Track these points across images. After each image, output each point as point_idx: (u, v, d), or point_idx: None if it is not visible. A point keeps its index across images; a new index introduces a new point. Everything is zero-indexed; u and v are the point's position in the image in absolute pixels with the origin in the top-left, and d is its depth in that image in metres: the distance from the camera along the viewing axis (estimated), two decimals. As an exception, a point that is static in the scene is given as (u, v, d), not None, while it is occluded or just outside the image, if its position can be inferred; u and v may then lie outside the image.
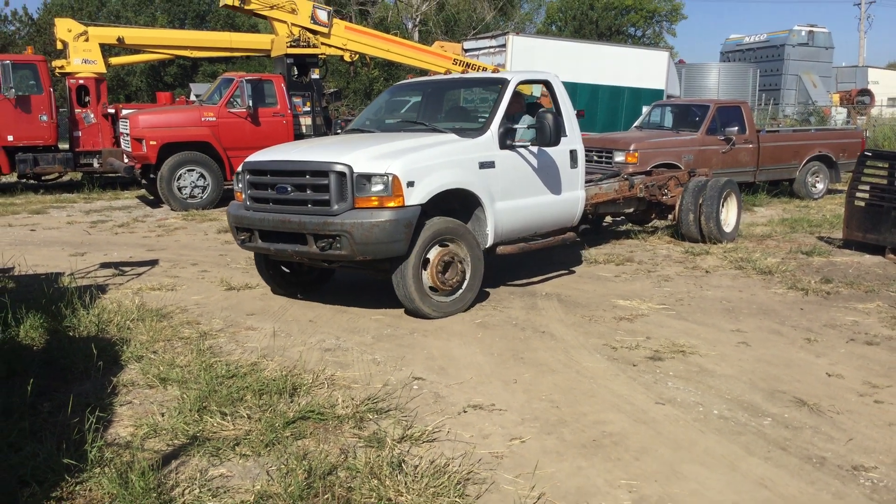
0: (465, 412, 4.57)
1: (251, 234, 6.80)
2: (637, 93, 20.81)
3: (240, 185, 6.99)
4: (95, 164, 16.22)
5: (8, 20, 41.84)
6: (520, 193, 7.25)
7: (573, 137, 7.88)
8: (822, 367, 5.39)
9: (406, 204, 6.21)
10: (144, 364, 5.27)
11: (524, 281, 7.99)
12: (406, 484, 3.58)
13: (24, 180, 16.57)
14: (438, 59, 17.00)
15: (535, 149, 7.35)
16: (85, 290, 6.96)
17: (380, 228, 6.08)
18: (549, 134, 7.04)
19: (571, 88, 19.58)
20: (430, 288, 6.53)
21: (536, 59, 18.98)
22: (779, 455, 4.02)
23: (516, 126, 7.23)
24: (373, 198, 6.17)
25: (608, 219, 11.42)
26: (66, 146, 16.61)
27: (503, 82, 7.54)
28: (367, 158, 6.29)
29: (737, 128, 13.48)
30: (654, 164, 12.28)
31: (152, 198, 14.92)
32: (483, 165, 6.87)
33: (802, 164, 14.74)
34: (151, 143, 13.28)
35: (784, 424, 4.41)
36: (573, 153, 7.85)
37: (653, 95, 20.29)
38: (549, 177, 7.58)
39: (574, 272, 8.38)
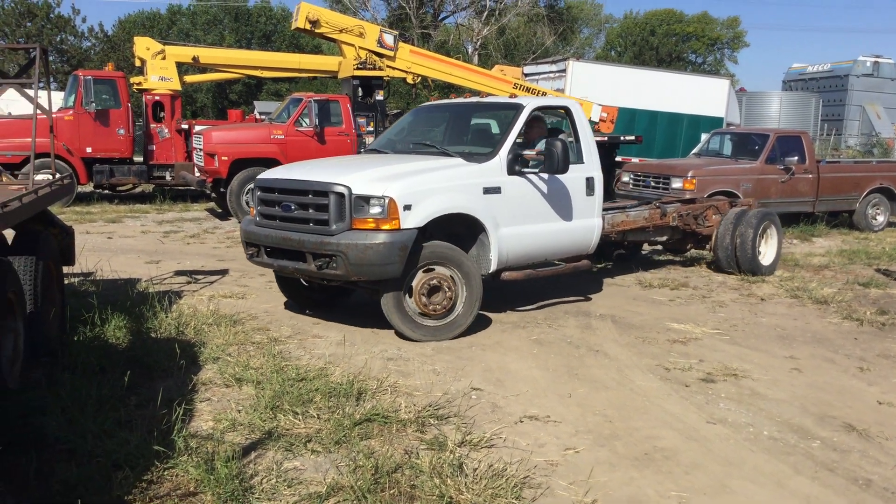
0: (521, 422, 4.80)
1: (258, 250, 6.94)
2: (696, 120, 20.83)
3: (254, 202, 7.23)
4: (168, 177, 16.92)
5: (84, 36, 43.63)
6: (528, 220, 7.22)
7: (590, 165, 7.84)
8: (873, 395, 5.48)
9: (402, 227, 6.26)
10: (221, 365, 5.62)
11: (533, 306, 7.96)
12: (466, 484, 3.83)
13: (100, 190, 17.34)
14: (499, 83, 17.34)
15: (546, 175, 7.30)
16: (163, 295, 7.39)
17: (374, 250, 6.16)
18: (557, 161, 7.01)
19: (630, 114, 19.87)
20: (420, 313, 6.54)
21: (596, 84, 19.20)
22: (826, 475, 4.15)
23: (525, 152, 7.21)
24: (369, 219, 6.25)
25: (646, 246, 11.19)
26: (141, 159, 17.36)
27: (517, 108, 7.58)
28: (366, 180, 6.39)
29: (796, 157, 13.49)
30: (712, 191, 12.36)
31: (220, 210, 15.51)
32: (488, 191, 6.88)
33: (863, 195, 14.64)
34: (223, 158, 13.86)
35: (832, 447, 4.53)
36: (589, 180, 7.78)
37: (712, 123, 20.31)
38: (561, 204, 7.52)
39: (591, 298, 8.37)
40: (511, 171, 7.11)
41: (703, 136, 16.97)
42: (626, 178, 14.03)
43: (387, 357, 6.10)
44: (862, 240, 13.68)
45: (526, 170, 7.22)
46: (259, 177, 7.32)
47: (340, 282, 6.74)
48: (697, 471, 4.17)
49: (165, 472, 3.89)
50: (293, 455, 4.20)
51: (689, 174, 12.59)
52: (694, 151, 15.48)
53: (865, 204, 14.72)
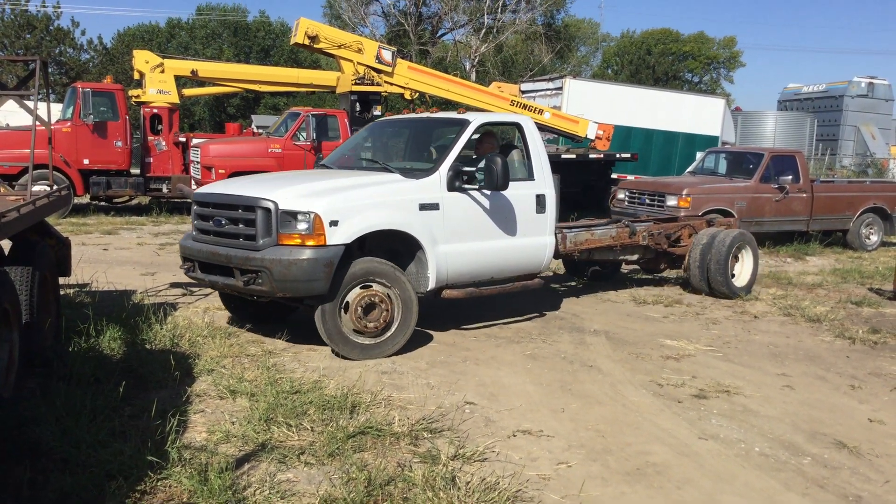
0: (514, 436, 4.82)
1: (193, 265, 6.85)
2: (691, 138, 20.94)
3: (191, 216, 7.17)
4: (164, 190, 16.95)
5: (83, 49, 43.74)
6: (470, 237, 7.08)
7: (542, 182, 7.70)
8: (864, 413, 5.52)
9: (328, 243, 6.16)
10: (215, 377, 5.64)
11: (483, 324, 7.81)
12: (459, 497, 3.85)
13: (97, 202, 17.37)
14: (496, 100, 17.44)
15: (490, 192, 7.15)
16: (158, 307, 7.41)
17: (297, 266, 6.06)
18: (497, 177, 6.86)
19: (626, 132, 19.98)
20: (354, 330, 6.41)
21: (592, 102, 19.32)
22: (816, 492, 4.18)
23: (465, 168, 7.06)
24: (295, 235, 6.17)
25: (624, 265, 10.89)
26: (138, 171, 17.41)
27: (462, 124, 7.42)
28: (294, 196, 6.30)
29: (791, 177, 13.57)
30: (706, 209, 12.43)
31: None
32: (424, 207, 6.75)
33: (856, 215, 14.73)
34: (220, 171, 13.93)
35: (823, 464, 4.56)
36: (540, 198, 7.63)
37: (707, 142, 20.42)
38: (507, 221, 7.37)
39: (545, 315, 8.31)
40: (451, 188, 6.95)
41: (699, 155, 17.08)
42: (621, 196, 14.11)
43: (381, 371, 6.12)
44: (855, 259, 13.75)
45: (468, 186, 7.06)
46: (196, 191, 7.27)
47: (269, 298, 6.57)
48: (689, 486, 4.19)
49: (159, 483, 3.91)
50: (286, 467, 4.22)
51: (684, 192, 12.66)
52: (689, 169, 15.57)
53: (859, 223, 14.81)
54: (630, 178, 17.99)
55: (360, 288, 6.42)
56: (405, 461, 4.33)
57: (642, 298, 9.31)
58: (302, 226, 6.18)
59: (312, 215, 6.15)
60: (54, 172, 15.67)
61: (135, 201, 18.64)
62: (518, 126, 7.92)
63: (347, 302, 6.38)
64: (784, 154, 14.55)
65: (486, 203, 7.22)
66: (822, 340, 7.65)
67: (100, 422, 4.57)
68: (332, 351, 6.50)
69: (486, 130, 7.78)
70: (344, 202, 6.37)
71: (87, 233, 13.85)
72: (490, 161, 6.92)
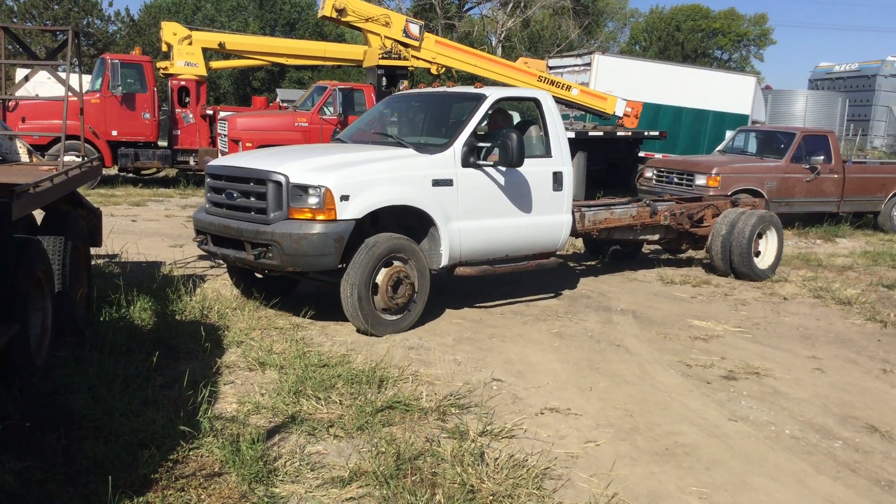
0: (542, 414, 4.81)
1: (206, 237, 6.83)
2: (721, 117, 20.66)
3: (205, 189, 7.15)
4: (192, 162, 17.00)
5: (111, 20, 43.89)
6: (484, 214, 6.99)
7: (559, 159, 7.58)
8: (896, 398, 5.45)
9: (338, 218, 6.10)
10: (244, 349, 5.68)
11: (508, 300, 7.77)
12: (487, 473, 3.85)
13: (125, 174, 17.49)
14: (523, 76, 17.27)
15: (506, 169, 7.05)
16: (187, 278, 7.46)
17: (307, 241, 6.02)
18: (512, 154, 6.76)
19: (655, 109, 19.74)
20: (383, 308, 6.41)
21: (621, 79, 19.08)
22: (847, 476, 4.14)
23: (480, 144, 7.01)
24: (306, 209, 6.12)
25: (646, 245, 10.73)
26: (165, 143, 17.49)
27: (479, 98, 7.29)
28: (305, 170, 6.26)
29: (822, 157, 13.37)
30: (736, 189, 12.28)
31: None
32: (438, 183, 6.67)
33: (888, 197, 14.48)
34: (247, 144, 13.95)
35: (854, 448, 4.52)
36: (557, 175, 7.52)
37: (737, 120, 20.14)
38: (523, 199, 7.27)
39: (571, 293, 8.25)
40: (466, 164, 6.87)
41: (728, 134, 16.85)
42: (648, 174, 13.97)
43: (408, 346, 6.13)
44: (886, 242, 13.54)
45: (483, 162, 6.99)
46: (209, 163, 7.26)
47: (280, 272, 6.61)
48: (718, 467, 4.17)
49: (191, 452, 3.95)
50: (316, 439, 4.25)
51: (714, 171, 12.51)
52: (719, 148, 15.38)
53: (891, 206, 14.56)
54: (658, 156, 17.80)
55: (385, 266, 6.41)
56: (433, 436, 4.35)
57: (669, 278, 9.23)
58: (313, 200, 6.14)
59: (323, 189, 6.11)
60: (84, 144, 15.92)
61: (162, 173, 18.75)
62: (536, 101, 7.81)
63: (376, 282, 6.37)
64: (816, 134, 14.30)
65: (501, 180, 7.11)
66: (853, 323, 7.55)
67: (132, 391, 4.63)
68: (358, 330, 6.47)
69: (499, 107, 7.64)
70: (355, 177, 6.31)
71: (116, 204, 13.96)
72: (506, 137, 6.81)
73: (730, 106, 20.75)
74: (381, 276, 6.38)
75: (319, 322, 6.72)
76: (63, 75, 6.53)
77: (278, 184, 6.21)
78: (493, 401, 4.98)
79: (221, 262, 8.84)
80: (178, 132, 17.04)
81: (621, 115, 17.75)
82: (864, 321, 7.63)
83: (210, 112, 17.00)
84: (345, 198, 6.15)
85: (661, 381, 5.54)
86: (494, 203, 7.10)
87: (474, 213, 6.93)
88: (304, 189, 6.16)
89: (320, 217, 6.11)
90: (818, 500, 3.87)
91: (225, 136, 14.51)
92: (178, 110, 16.97)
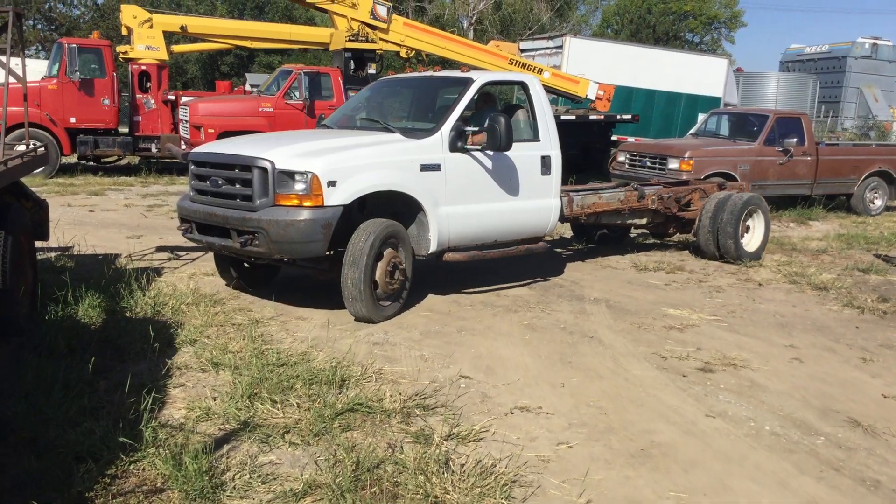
0: (511, 413, 4.57)
1: (191, 226, 6.71)
2: (694, 100, 20.50)
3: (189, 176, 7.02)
4: (153, 149, 16.53)
5: (73, 4, 42.80)
6: (473, 199, 6.92)
7: (547, 143, 7.52)
8: (877, 388, 5.28)
9: (325, 204, 6.02)
10: (198, 348, 5.37)
11: (485, 288, 7.63)
12: (453, 482, 3.60)
13: (84, 162, 16.97)
14: (495, 59, 16.98)
15: (493, 153, 6.97)
16: (142, 272, 7.12)
17: (295, 228, 5.94)
18: (500, 138, 6.69)
19: (627, 93, 19.53)
20: (381, 295, 6.37)
21: (593, 61, 18.84)
22: (831, 476, 3.94)
23: (468, 128, 6.90)
24: (292, 196, 6.03)
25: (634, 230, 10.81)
26: (126, 130, 16.98)
27: (466, 83, 7.22)
28: (290, 156, 6.16)
29: (796, 139, 13.23)
30: (709, 172, 12.12)
31: (206, 184, 15.15)
32: (425, 168, 6.59)
33: (861, 179, 14.43)
34: (209, 130, 13.54)
35: (837, 444, 4.32)
36: (545, 159, 7.46)
37: (710, 103, 19.98)
38: (512, 183, 7.21)
39: (544, 281, 8.04)
40: (454, 148, 6.79)
41: (701, 117, 16.70)
42: (622, 158, 13.78)
43: (373, 341, 5.85)
44: (859, 224, 13.48)
45: (471, 147, 6.89)
46: (193, 151, 7.12)
47: (266, 259, 6.56)
48: (696, 469, 3.95)
49: (131, 466, 3.65)
50: (269, 447, 3.96)
51: (687, 154, 12.33)
52: (691, 132, 15.20)
53: (864, 187, 14.51)
54: (630, 139, 17.60)
55: (383, 251, 6.36)
56: (396, 441, 4.08)
57: (643, 265, 9.03)
58: (299, 186, 6.02)
59: (310, 175, 5.99)
60: (40, 131, 15.39)
61: (124, 161, 18.23)
62: (524, 85, 7.74)
63: (375, 267, 6.29)
64: (789, 116, 14.17)
65: (490, 164, 7.03)
66: (830, 310, 7.39)
67: (72, 398, 4.30)
68: (355, 319, 6.32)
69: (485, 91, 7.53)
70: (342, 162, 6.20)
71: (74, 193, 13.49)
72: (493, 121, 6.73)
73: (702, 88, 20.61)
74: (381, 262, 6.32)
75: (281, 316, 6.43)
76: (3, 59, 6.12)
77: (264, 170, 6.09)
78: (461, 400, 4.73)
79: (185, 254, 8.56)
80: (140, 118, 16.55)
81: (593, 98, 17.55)
82: (840, 307, 7.47)
83: (172, 97, 16.52)
84: (332, 183, 6.05)
85: (636, 375, 5.32)
86: (483, 188, 7.02)
87: (463, 197, 6.85)
88: (290, 175, 6.04)
89: (307, 203, 6.00)
90: (801, 502, 3.66)
91: (187, 122, 14.06)
92: (138, 96, 16.49)
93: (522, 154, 7.23)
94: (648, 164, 12.98)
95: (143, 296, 6.40)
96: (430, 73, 8.48)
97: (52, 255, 7.98)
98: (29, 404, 4.16)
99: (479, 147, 6.93)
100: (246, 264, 7.21)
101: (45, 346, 5.01)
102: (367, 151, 6.48)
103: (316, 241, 6.02)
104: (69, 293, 5.99)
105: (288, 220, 5.96)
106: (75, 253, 8.18)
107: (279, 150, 6.24)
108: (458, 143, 6.81)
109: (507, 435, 4.25)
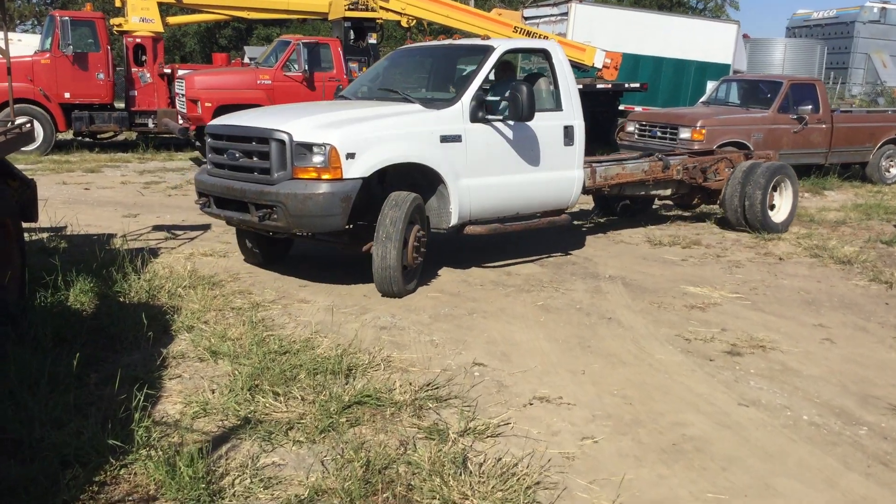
0: (530, 404, 4.27)
1: (209, 200, 6.57)
2: (703, 67, 20.00)
3: (206, 149, 6.86)
4: (150, 125, 16.13)
5: (68, -22, 42.03)
6: (494, 170, 6.75)
7: (570, 112, 7.32)
8: (918, 372, 4.96)
9: (344, 177, 5.87)
10: (195, 335, 5.06)
11: (507, 261, 7.45)
12: (471, 485, 3.30)
13: (80, 138, 16.59)
14: (499, 27, 16.49)
15: (516, 123, 6.77)
16: (137, 253, 6.80)
17: (313, 201, 5.80)
18: (522, 107, 6.50)
19: (634, 60, 19.06)
20: (404, 267, 6.20)
21: (599, 28, 18.35)
22: (880, 471, 3.64)
23: (489, 98, 6.71)
24: (311, 168, 5.88)
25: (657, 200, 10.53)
26: (122, 105, 16.57)
27: (486, 51, 6.99)
28: (309, 127, 6.00)
29: (810, 107, 12.81)
30: (722, 142, 11.73)
31: (205, 160, 14.78)
32: (446, 139, 6.42)
33: (877, 146, 14.01)
34: (207, 104, 13.12)
35: (882, 435, 4.02)
36: (568, 129, 7.26)
37: (719, 70, 19.49)
38: (534, 154, 7.00)
39: (555, 258, 7.73)
40: (475, 119, 6.60)
41: (711, 84, 16.25)
42: (630, 128, 13.36)
43: (379, 325, 5.54)
44: (875, 193, 13.10)
45: (492, 117, 6.70)
46: (209, 123, 6.93)
47: (285, 234, 6.41)
48: (735, 466, 3.64)
49: (122, 471, 3.36)
50: (272, 446, 3.66)
51: (699, 124, 11.93)
52: (702, 100, 14.78)
53: (879, 155, 14.10)
54: (638, 109, 17.18)
55: (410, 225, 6.21)
56: (408, 438, 3.78)
57: (658, 239, 8.70)
58: (318, 158, 5.87)
59: (328, 147, 5.83)
60: (33, 107, 15.01)
61: (120, 137, 17.81)
62: (546, 53, 7.48)
63: (406, 241, 6.15)
64: (803, 82, 13.73)
65: (511, 135, 6.83)
66: (857, 285, 7.07)
67: (59, 393, 4.00)
68: (382, 295, 6.19)
69: (506, 60, 7.26)
70: (361, 133, 6.04)
71: (70, 171, 13.15)
72: (515, 90, 6.51)
73: (711, 55, 20.11)
74: (411, 236, 6.18)
75: (283, 300, 6.11)
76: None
77: (281, 142, 5.94)
78: (476, 390, 4.42)
79: (182, 233, 8.25)
80: (135, 93, 16.13)
81: (601, 66, 17.08)
82: (867, 282, 7.15)
83: (168, 71, 16.07)
84: (350, 155, 5.90)
85: (660, 360, 5.01)
86: (504, 159, 6.84)
87: (484, 169, 6.67)
88: (308, 147, 5.90)
89: (326, 176, 5.86)
90: None
91: (183, 95, 13.66)
92: (134, 70, 16.05)
93: (545, 124, 7.01)
94: (659, 133, 12.58)
95: (138, 279, 6.09)
96: (449, 41, 8.16)
97: (45, 235, 7.65)
98: (13, 402, 3.87)
99: (501, 117, 6.70)
100: (266, 239, 7.03)
101: (31, 336, 4.69)
102: (386, 122, 6.29)
103: (335, 214, 5.86)
104: (59, 278, 5.68)
105: (306, 193, 5.81)
106: (68, 233, 7.86)
107: (297, 122, 6.06)
108: (479, 113, 6.61)
109: (527, 429, 3.95)
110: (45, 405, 3.83)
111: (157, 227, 8.58)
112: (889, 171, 14.36)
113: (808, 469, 3.64)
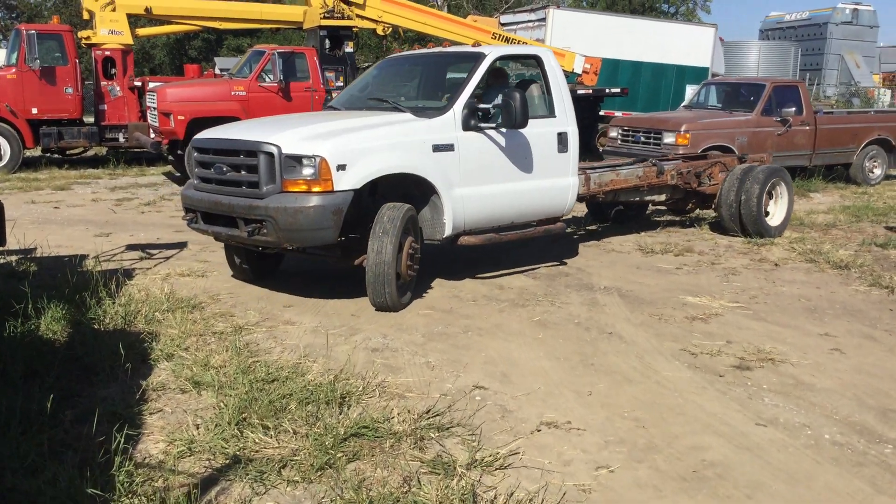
0: (538, 431, 4.01)
1: (196, 215, 6.37)
2: (681, 70, 19.95)
3: (192, 164, 6.66)
4: (121, 139, 15.71)
5: (34, -9, 41.41)
6: (488, 179, 6.60)
7: (563, 119, 7.16)
8: (934, 382, 4.78)
9: (335, 189, 5.71)
10: (175, 364, 4.76)
11: (499, 272, 7.27)
12: (484, 526, 3.04)
13: (49, 154, 16.12)
14: (476, 33, 16.30)
15: (508, 131, 6.64)
16: (111, 275, 6.47)
17: (304, 215, 5.63)
18: (515, 115, 6.38)
19: (613, 65, 18.94)
20: (398, 278, 6.05)
21: (577, 33, 18.23)
22: (914, 495, 3.43)
23: (481, 106, 6.54)
24: (301, 181, 5.71)
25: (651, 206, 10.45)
26: (92, 120, 16.16)
27: (477, 58, 6.86)
28: (298, 139, 5.84)
29: (794, 108, 12.75)
30: (706, 146, 11.61)
31: (178, 174, 14.43)
32: (438, 148, 6.27)
33: (860, 147, 13.99)
34: (179, 117, 12.78)
35: (910, 454, 3.82)
36: (562, 136, 7.11)
37: (698, 74, 19.47)
38: (528, 161, 6.86)
39: (547, 269, 7.52)
40: (467, 127, 6.45)
41: (691, 88, 16.18)
42: (613, 134, 13.22)
43: (371, 347, 5.27)
44: (861, 194, 13.05)
45: (485, 125, 6.55)
46: (195, 137, 6.69)
47: (276, 249, 6.22)
48: (760, 493, 3.41)
49: (102, 523, 3.06)
50: (265, 488, 3.38)
51: (683, 128, 11.81)
52: (684, 104, 14.71)
53: (863, 156, 14.08)
54: (618, 114, 17.05)
55: (405, 238, 6.07)
56: (412, 473, 3.51)
57: (649, 247, 8.51)
58: (307, 171, 5.71)
59: (318, 159, 5.67)
60: (0, 124, 14.57)
61: (90, 152, 17.39)
62: (537, 59, 7.30)
63: (400, 255, 6.00)
64: (786, 85, 13.69)
65: (504, 142, 6.70)
66: (857, 290, 6.91)
67: (32, 434, 3.69)
68: (377, 309, 6.03)
69: (497, 67, 7.07)
70: (351, 144, 5.89)
71: (38, 189, 12.73)
72: (508, 97, 6.37)
73: (690, 59, 20.06)
74: (405, 246, 6.04)
75: (267, 321, 5.82)
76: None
77: (270, 155, 5.77)
78: (479, 416, 4.17)
79: (157, 252, 7.92)
80: (105, 107, 15.70)
81: (580, 72, 16.97)
82: (867, 288, 6.99)
83: (139, 84, 15.68)
84: (341, 167, 5.75)
85: (668, 377, 4.78)
86: (498, 167, 6.70)
87: (478, 178, 6.54)
88: (297, 160, 5.73)
89: (316, 189, 5.70)
90: (890, 533, 3.15)
91: (154, 109, 13.30)
92: (103, 83, 15.63)
93: (538, 131, 6.88)
94: (642, 139, 12.44)
95: (113, 304, 5.77)
96: (439, 48, 7.96)
97: (13, 258, 7.30)
98: (-20, 446, 3.55)
99: (494, 125, 6.53)
100: (255, 254, 6.84)
101: (0, 370, 4.37)
102: (377, 133, 6.14)
103: (326, 228, 5.70)
104: (30, 305, 5.35)
105: (297, 206, 5.64)
106: (38, 256, 7.51)
107: (285, 134, 5.90)
108: (471, 121, 6.48)
109: (536, 459, 3.70)
110: (17, 449, 3.51)
111: (132, 247, 8.24)
112: (873, 172, 14.34)
113: (837, 494, 3.42)
